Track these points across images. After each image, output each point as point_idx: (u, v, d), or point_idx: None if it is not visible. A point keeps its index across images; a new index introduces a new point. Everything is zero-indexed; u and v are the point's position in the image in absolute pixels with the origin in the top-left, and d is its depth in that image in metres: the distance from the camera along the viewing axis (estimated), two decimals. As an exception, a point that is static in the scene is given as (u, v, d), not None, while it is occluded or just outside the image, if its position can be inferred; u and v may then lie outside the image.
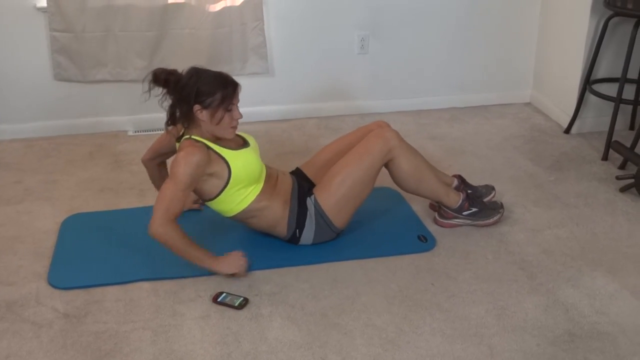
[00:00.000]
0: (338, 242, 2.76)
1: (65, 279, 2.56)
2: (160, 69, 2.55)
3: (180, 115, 2.55)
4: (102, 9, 3.62)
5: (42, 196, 3.22)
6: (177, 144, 2.60)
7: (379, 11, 3.99)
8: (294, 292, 2.48)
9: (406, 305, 2.41)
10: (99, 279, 2.56)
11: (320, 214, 2.66)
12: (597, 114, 3.86)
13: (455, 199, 2.84)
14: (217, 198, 2.57)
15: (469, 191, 2.94)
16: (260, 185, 2.62)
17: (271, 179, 2.69)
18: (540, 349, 2.20)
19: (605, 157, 3.54)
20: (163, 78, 2.52)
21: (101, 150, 3.72)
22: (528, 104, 4.33)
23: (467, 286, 2.52)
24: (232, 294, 2.45)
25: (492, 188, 3.09)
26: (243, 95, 3.98)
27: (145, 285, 2.52)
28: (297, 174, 2.86)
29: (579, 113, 3.83)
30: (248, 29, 3.81)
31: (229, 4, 3.73)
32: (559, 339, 2.24)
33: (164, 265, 2.60)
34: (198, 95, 2.48)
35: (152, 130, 3.91)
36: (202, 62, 3.75)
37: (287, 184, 2.72)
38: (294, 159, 2.97)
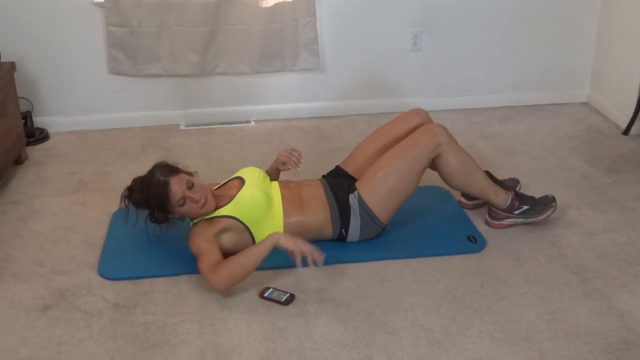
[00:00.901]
0: (386, 240, 2.73)
1: (114, 270, 2.60)
2: (131, 198, 2.59)
3: (172, 217, 2.60)
4: (157, 4, 3.67)
5: (95, 187, 3.28)
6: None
7: (433, 8, 3.94)
8: (340, 290, 2.47)
9: (454, 306, 2.38)
10: (148, 270, 2.60)
11: (364, 208, 2.63)
12: (658, 115, 3.74)
13: (504, 198, 2.78)
14: (257, 239, 2.58)
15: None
16: (280, 205, 2.61)
17: (291, 192, 2.67)
18: (592, 356, 2.14)
19: (665, 160, 3.43)
20: (140, 203, 2.58)
21: (153, 143, 3.77)
22: (585, 104, 4.22)
23: (518, 289, 2.46)
24: (278, 290, 2.45)
25: (517, 181, 3.04)
26: (294, 90, 4.04)
27: (194, 278, 2.54)
28: (336, 172, 2.85)
29: (639, 114, 3.71)
30: (300, 25, 3.81)
31: (281, -1, 3.74)
32: (612, 346, 2.18)
33: (212, 259, 2.62)
34: (158, 208, 2.52)
35: (204, 125, 3.96)
36: (254, 58, 3.83)
37: (315, 190, 2.70)
38: (344, 156, 2.95)
